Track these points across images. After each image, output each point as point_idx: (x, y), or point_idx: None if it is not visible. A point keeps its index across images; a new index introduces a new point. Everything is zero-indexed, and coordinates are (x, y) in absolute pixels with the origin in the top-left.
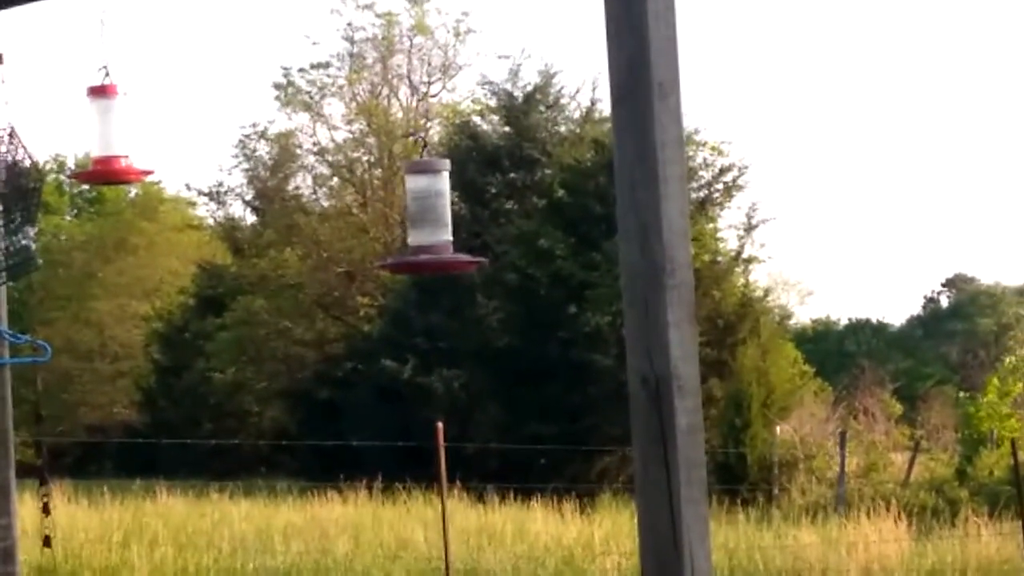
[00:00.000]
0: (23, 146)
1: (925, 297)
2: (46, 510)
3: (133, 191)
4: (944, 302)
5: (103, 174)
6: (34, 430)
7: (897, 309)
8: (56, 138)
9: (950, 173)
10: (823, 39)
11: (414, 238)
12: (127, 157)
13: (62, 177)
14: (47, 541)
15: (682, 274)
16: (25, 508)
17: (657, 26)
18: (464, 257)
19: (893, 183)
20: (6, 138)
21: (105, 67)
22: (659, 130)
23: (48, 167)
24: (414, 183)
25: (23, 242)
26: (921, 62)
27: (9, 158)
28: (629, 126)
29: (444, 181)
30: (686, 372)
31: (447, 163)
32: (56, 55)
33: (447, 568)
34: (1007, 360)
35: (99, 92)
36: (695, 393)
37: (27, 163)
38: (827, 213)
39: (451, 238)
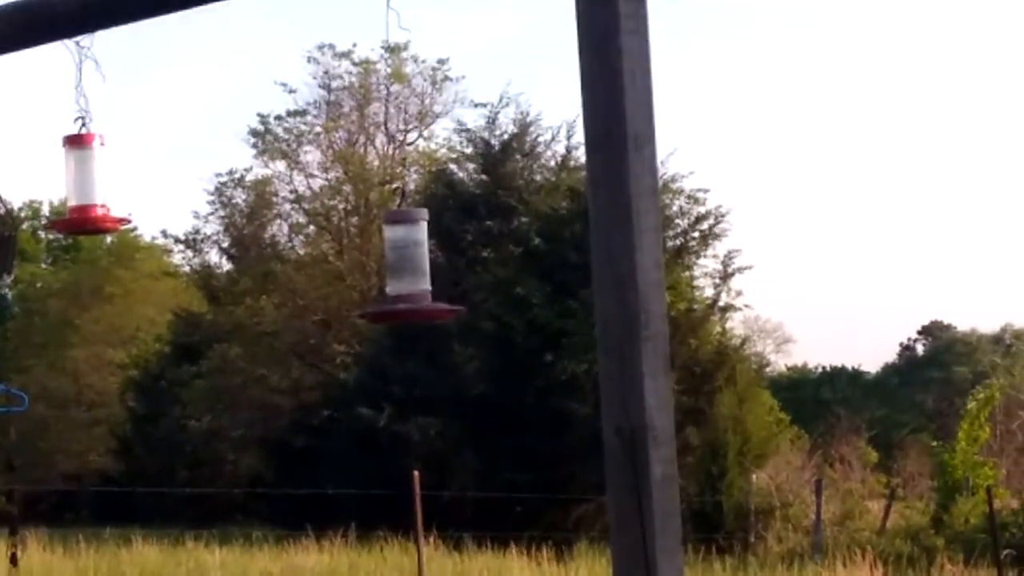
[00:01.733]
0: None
1: (901, 344)
2: (13, 561)
3: (109, 238)
4: (920, 349)
5: (80, 223)
6: (5, 479)
7: (873, 356)
8: (30, 184)
9: (926, 220)
10: (800, 88)
11: (392, 287)
12: (104, 206)
13: (37, 224)
14: None
15: (656, 325)
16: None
17: (633, 80)
18: (443, 306)
19: (869, 231)
20: None
21: (82, 117)
22: (633, 182)
23: (23, 213)
24: (392, 233)
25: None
26: (896, 110)
27: None
28: (603, 177)
29: (422, 231)
30: (661, 423)
31: (425, 212)
32: (27, 99)
33: None
34: (970, 404)
35: (76, 141)
36: (670, 443)
37: (1, 211)
38: (803, 260)
39: (429, 287)
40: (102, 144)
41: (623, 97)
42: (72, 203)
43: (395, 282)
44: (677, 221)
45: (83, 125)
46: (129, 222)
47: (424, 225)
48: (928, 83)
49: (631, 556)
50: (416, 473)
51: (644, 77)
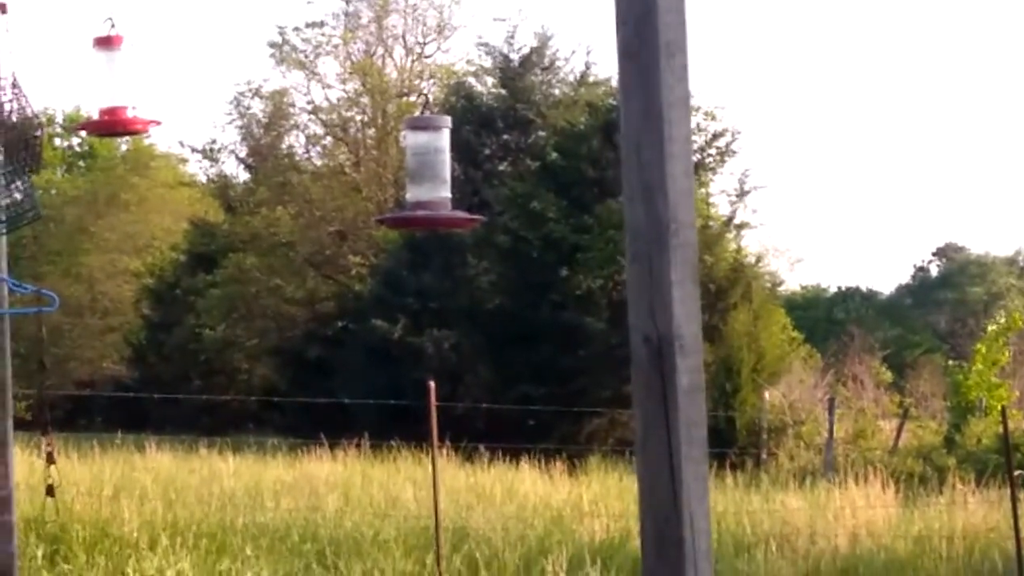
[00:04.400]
0: (24, 96)
1: (915, 266)
2: (50, 459)
3: (124, 147)
4: (934, 271)
5: (110, 124)
6: (35, 381)
7: (886, 277)
8: (43, 92)
9: (942, 143)
10: (815, 8)
11: (412, 194)
12: (134, 107)
13: (52, 131)
14: (50, 490)
15: (686, 234)
16: (19, 459)
17: None
18: (462, 214)
19: (884, 152)
20: (8, 88)
21: (111, 18)
22: (665, 90)
23: (37, 121)
24: (414, 139)
25: (25, 192)
26: (913, 31)
27: (11, 107)
28: (635, 85)
29: (444, 138)
30: (688, 331)
31: (448, 120)
32: (36, 7)
33: (436, 527)
34: (990, 328)
35: (105, 43)
36: (697, 353)
37: (29, 112)
38: (818, 181)
39: (449, 195)
40: (131, 46)
41: (656, 2)
42: (102, 105)
43: (415, 188)
44: (694, 137)
45: (112, 26)
46: (160, 123)
47: (447, 133)
48: (950, 9)
49: (656, 465)
50: (431, 384)
51: None
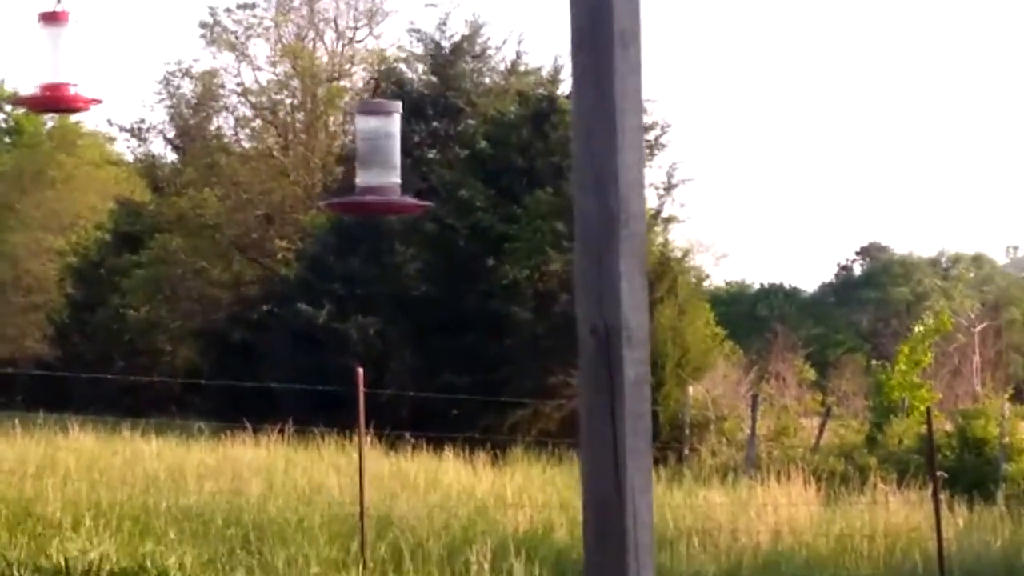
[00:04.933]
0: None
1: (838, 265)
2: None
3: (51, 123)
4: (857, 270)
5: (52, 100)
6: None
7: (810, 275)
8: None
9: (867, 142)
10: (744, 4)
11: (362, 179)
12: (76, 85)
13: None
14: None
15: (636, 225)
16: None
17: None
18: (411, 200)
19: (810, 150)
20: None
21: None
22: (619, 80)
23: None
24: (364, 123)
25: None
26: (838, 26)
27: None
28: (588, 75)
29: (395, 123)
30: (636, 323)
31: (399, 105)
32: None
33: (362, 513)
34: (916, 329)
35: (51, 18)
36: (644, 344)
37: None
38: (744, 177)
39: (399, 180)
40: (76, 22)
41: None
42: (43, 81)
43: (364, 173)
44: None
45: (58, 1)
46: (101, 102)
47: (398, 118)
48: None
49: (600, 456)
50: (360, 371)
51: None
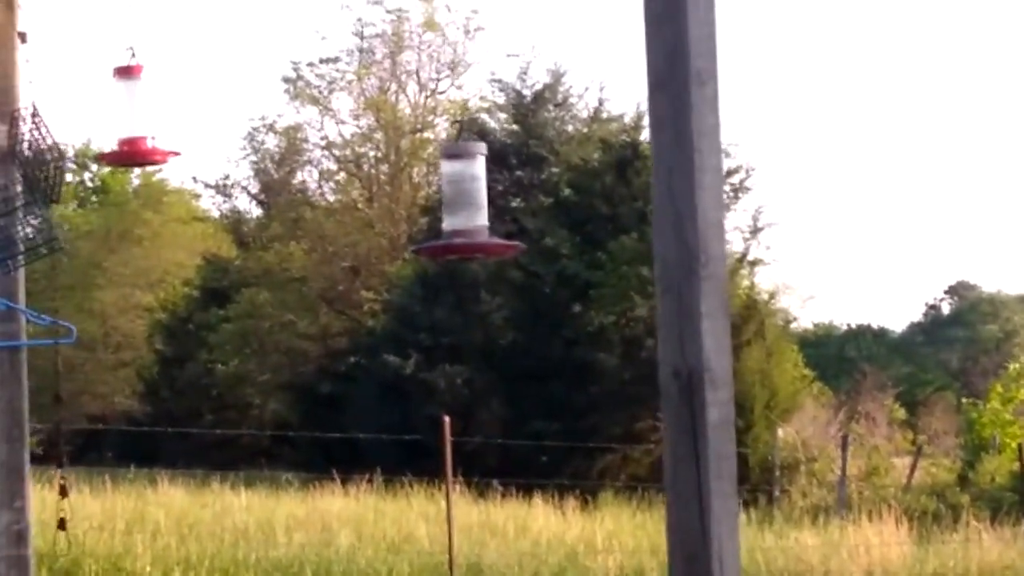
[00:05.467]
0: (45, 126)
1: (927, 304)
2: (63, 492)
3: (137, 181)
4: (946, 309)
5: (129, 155)
6: (47, 415)
7: (898, 315)
8: (56, 126)
9: (955, 181)
10: (829, 45)
11: (449, 223)
12: (153, 138)
13: (65, 166)
14: (62, 524)
15: (715, 266)
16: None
17: (697, 12)
18: (500, 241)
19: (897, 190)
20: (29, 118)
21: (132, 48)
22: (696, 119)
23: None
24: (449, 167)
25: (43, 223)
26: (926, 69)
27: (30, 137)
28: (666, 115)
29: (480, 165)
30: (718, 364)
31: (483, 147)
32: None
33: (451, 563)
34: (1011, 367)
35: (125, 72)
36: (727, 386)
37: (48, 143)
38: (830, 218)
39: (487, 222)
40: (151, 76)
41: (687, 32)
42: (121, 136)
43: (451, 217)
44: None
45: (132, 55)
46: (179, 154)
47: (482, 160)
48: (964, 47)
49: (686, 499)
50: (446, 419)
51: (708, 10)
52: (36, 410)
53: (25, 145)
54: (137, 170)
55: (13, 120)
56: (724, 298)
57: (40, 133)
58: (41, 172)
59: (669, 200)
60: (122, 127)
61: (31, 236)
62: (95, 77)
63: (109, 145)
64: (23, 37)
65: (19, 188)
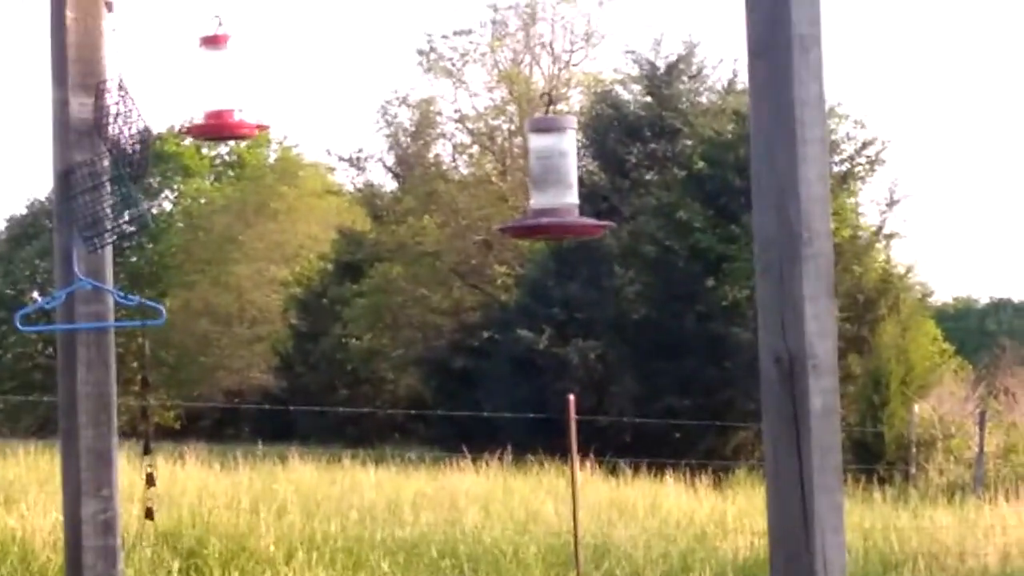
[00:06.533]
0: (131, 99)
1: None
2: (150, 481)
3: (273, 155)
4: None
5: (215, 128)
6: (184, 390)
7: None
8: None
9: None
10: (963, 18)
11: (536, 200)
12: (240, 110)
13: (200, 141)
14: (149, 513)
15: (820, 244)
16: (160, 472)
17: None
18: (590, 221)
19: None
20: (115, 90)
21: (219, 16)
22: (799, 87)
23: (179, 129)
24: (537, 142)
25: (129, 200)
26: None
27: (117, 110)
28: (766, 83)
29: (570, 140)
30: (822, 350)
31: (572, 120)
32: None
33: (576, 543)
34: None
35: (211, 42)
36: (831, 372)
37: (136, 115)
38: (968, 190)
39: (576, 201)
40: (239, 45)
41: None
42: (207, 108)
43: (539, 195)
44: (843, 146)
45: (220, 24)
46: (266, 128)
47: (572, 134)
48: None
49: (787, 493)
50: (571, 397)
51: None
52: (176, 384)
53: (112, 119)
54: (274, 144)
55: (99, 93)
56: (829, 279)
57: (127, 106)
58: (129, 147)
59: (770, 174)
60: (209, 99)
61: (119, 214)
62: (184, 48)
63: (197, 118)
64: (109, 6)
65: (106, 163)
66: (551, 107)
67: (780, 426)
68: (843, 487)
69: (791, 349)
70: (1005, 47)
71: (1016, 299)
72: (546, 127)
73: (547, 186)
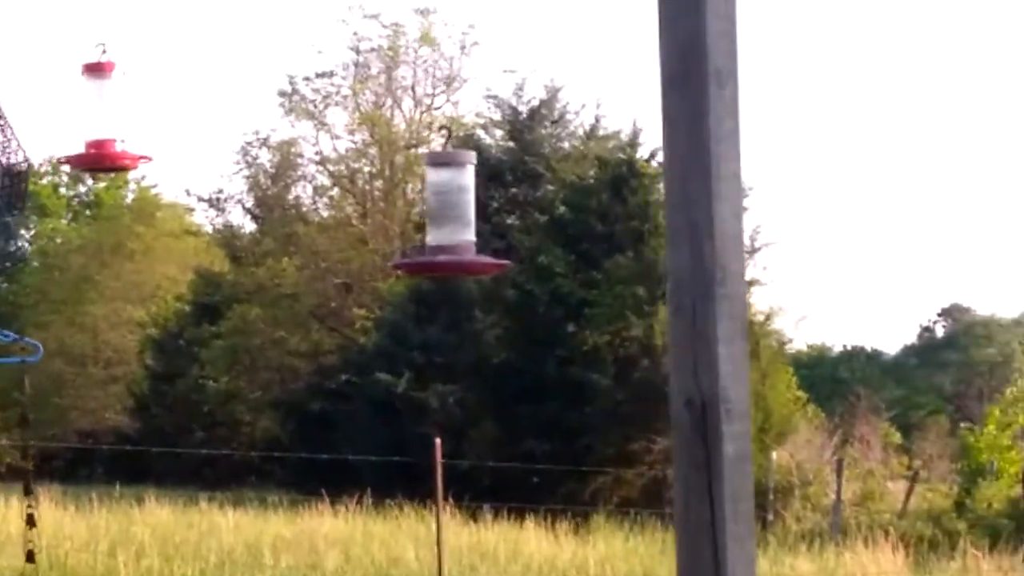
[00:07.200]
0: (10, 127)
1: (920, 326)
2: (31, 522)
3: (131, 195)
4: (939, 332)
5: (96, 159)
6: (20, 433)
7: (892, 338)
8: (50, 138)
9: (949, 203)
10: (823, 68)
11: (433, 237)
12: (123, 141)
13: (58, 180)
14: (30, 556)
15: (734, 284)
16: (12, 513)
17: (716, 6)
18: (487, 259)
19: (890, 212)
20: None
21: (103, 44)
22: (714, 122)
23: (43, 169)
24: (436, 176)
25: (11, 232)
26: (918, 92)
27: None
28: (681, 118)
29: (469, 175)
30: (736, 394)
31: (472, 156)
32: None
33: None
34: (1008, 391)
35: (95, 70)
36: (745, 417)
37: (14, 146)
38: (824, 239)
39: (474, 238)
40: (123, 74)
41: (705, 26)
42: (88, 137)
43: (436, 231)
44: None
45: (103, 52)
46: (150, 160)
47: (471, 169)
48: (951, 64)
49: (697, 542)
50: (438, 441)
51: (729, 4)
52: (24, 425)
53: None
54: (132, 184)
55: None
56: (743, 320)
57: (5, 135)
58: (5, 179)
59: (683, 210)
60: (89, 128)
61: None
62: (65, 79)
63: (76, 149)
64: None
65: None
66: (451, 141)
67: (691, 472)
68: (755, 536)
69: (704, 392)
70: (861, 98)
71: (869, 348)
72: (445, 161)
73: (444, 222)
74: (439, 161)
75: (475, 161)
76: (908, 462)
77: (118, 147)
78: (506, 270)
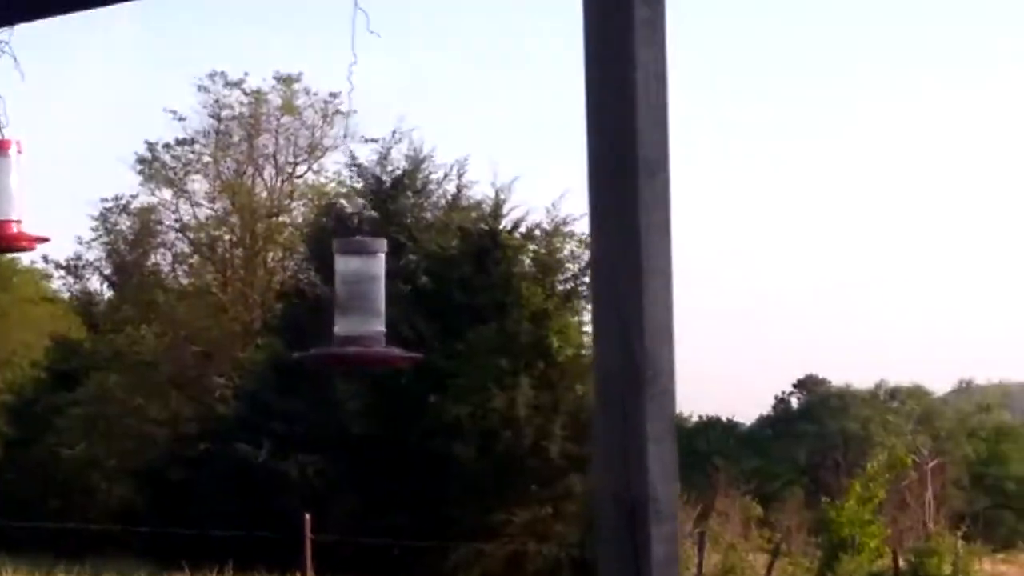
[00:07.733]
0: None
1: (776, 397)
2: None
3: None
4: (795, 403)
5: None
6: None
7: (747, 409)
8: None
9: (802, 273)
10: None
11: (341, 327)
12: (20, 222)
13: None
14: None
15: (665, 382)
16: None
17: (647, 95)
18: (396, 352)
19: (744, 283)
20: None
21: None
22: (643, 214)
23: None
24: (345, 265)
25: None
26: (777, 156)
27: None
28: (609, 208)
29: (380, 264)
30: (664, 494)
31: (383, 243)
32: None
33: None
34: (868, 465)
35: None
36: (673, 518)
37: None
38: (678, 308)
39: (383, 328)
40: (19, 152)
41: (635, 116)
42: None
43: (344, 321)
44: (568, 265)
45: (4, 127)
46: (48, 240)
47: (383, 258)
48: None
49: None
50: (307, 516)
51: (660, 93)
52: None
53: None
54: None
55: None
56: (672, 419)
57: None
58: None
59: (612, 305)
60: None
61: None
62: None
63: None
64: None
65: None
66: (360, 226)
67: (618, 570)
68: None
69: (633, 492)
70: (715, 172)
71: (725, 418)
72: (355, 249)
73: (353, 312)
74: (349, 249)
75: (387, 249)
76: (769, 534)
77: (15, 228)
78: (415, 363)
